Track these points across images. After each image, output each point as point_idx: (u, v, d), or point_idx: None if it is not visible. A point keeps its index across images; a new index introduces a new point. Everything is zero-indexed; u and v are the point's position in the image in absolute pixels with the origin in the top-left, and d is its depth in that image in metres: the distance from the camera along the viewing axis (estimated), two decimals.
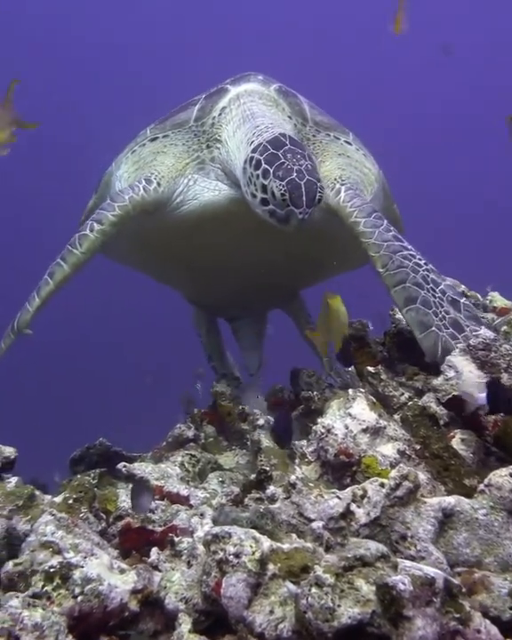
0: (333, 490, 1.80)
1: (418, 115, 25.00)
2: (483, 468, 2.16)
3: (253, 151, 2.83)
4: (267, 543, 1.51)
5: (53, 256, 3.20)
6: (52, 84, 23.84)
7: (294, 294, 4.74)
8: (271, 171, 2.69)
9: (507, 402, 2.13)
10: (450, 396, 2.17)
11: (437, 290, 2.76)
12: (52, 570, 1.52)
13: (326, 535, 1.60)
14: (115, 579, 1.56)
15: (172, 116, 3.44)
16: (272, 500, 1.88)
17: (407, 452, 2.02)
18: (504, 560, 1.69)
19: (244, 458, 3.03)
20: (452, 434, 2.23)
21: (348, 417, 2.06)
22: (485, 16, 24.00)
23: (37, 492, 1.98)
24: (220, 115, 3.26)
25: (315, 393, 2.94)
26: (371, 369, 2.73)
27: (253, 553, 1.47)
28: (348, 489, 1.76)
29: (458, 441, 2.21)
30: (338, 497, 1.74)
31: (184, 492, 2.26)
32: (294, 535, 1.68)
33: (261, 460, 2.51)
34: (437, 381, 2.23)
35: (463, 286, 3.55)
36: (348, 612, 1.34)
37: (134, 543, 1.90)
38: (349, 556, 1.45)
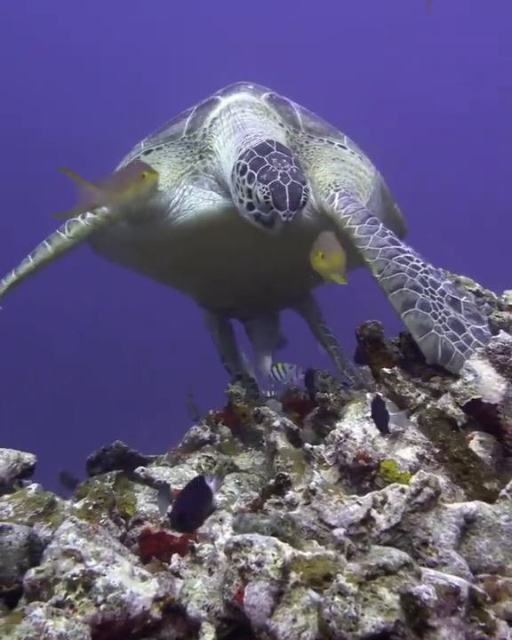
0: (353, 495, 1.79)
1: (433, 114, 24.85)
2: (502, 470, 2.15)
3: (240, 158, 2.87)
4: (289, 551, 1.51)
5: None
6: (52, 84, 23.97)
7: (304, 294, 4.72)
8: (256, 175, 2.71)
9: None
10: (469, 399, 2.15)
11: (436, 291, 2.73)
12: (74, 578, 1.52)
13: (348, 542, 1.60)
14: (137, 586, 1.56)
15: (165, 129, 3.47)
16: (291, 505, 1.88)
17: (426, 456, 2.01)
18: None
19: (259, 459, 3.03)
20: (469, 436, 2.22)
21: (367, 421, 2.05)
22: (488, 16, 23.84)
23: (57, 499, 1.98)
24: (210, 126, 3.28)
25: (330, 394, 2.93)
26: (387, 370, 2.70)
27: (275, 561, 1.47)
28: (369, 495, 1.76)
29: (476, 443, 2.19)
30: (358, 503, 1.73)
31: None
32: (315, 542, 1.68)
33: (278, 463, 2.51)
34: (456, 385, 2.21)
35: (478, 285, 3.52)
36: (372, 620, 1.34)
37: (154, 549, 1.91)
38: (372, 564, 1.44)
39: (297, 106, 3.52)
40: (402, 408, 2.39)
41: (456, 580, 1.41)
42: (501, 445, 2.17)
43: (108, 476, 2.57)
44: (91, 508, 1.95)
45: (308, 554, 1.53)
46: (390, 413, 2.03)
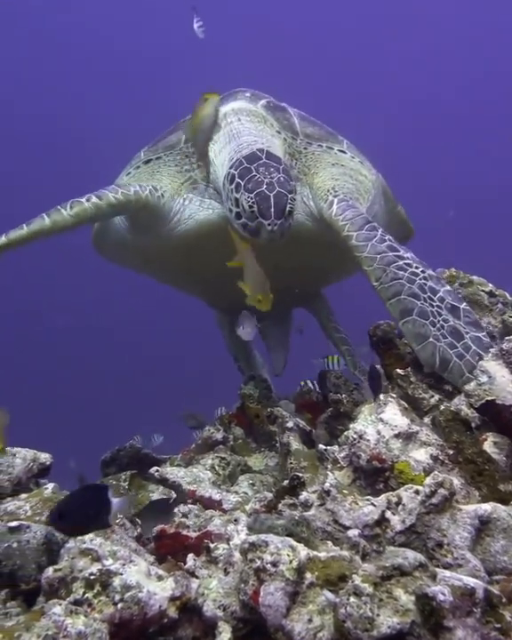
0: (368, 497, 1.80)
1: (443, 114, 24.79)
2: None
3: (230, 167, 2.88)
4: (304, 552, 1.52)
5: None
6: (54, 81, 24.09)
7: (315, 293, 4.73)
8: (243, 184, 2.72)
9: None
10: (483, 400, 2.15)
11: (435, 298, 2.70)
12: (92, 577, 1.54)
13: (362, 543, 1.61)
14: (153, 585, 1.58)
15: (164, 138, 3.50)
16: (306, 506, 1.89)
17: (440, 458, 2.01)
18: None
19: (272, 460, 3.04)
20: (483, 437, 2.22)
21: (380, 422, 2.06)
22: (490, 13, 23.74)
23: None
24: None
25: (343, 395, 2.93)
26: (400, 371, 2.71)
27: (291, 561, 1.48)
28: (383, 496, 1.76)
29: (490, 444, 2.19)
30: (372, 504, 1.74)
31: (216, 496, 2.27)
32: (330, 543, 1.68)
33: (291, 464, 2.52)
34: (470, 386, 2.21)
35: (491, 285, 3.50)
36: (388, 621, 1.35)
37: (169, 549, 1.92)
38: (387, 565, 1.45)
39: (295, 112, 3.51)
40: (415, 409, 2.39)
41: (471, 581, 1.41)
42: None
43: (122, 476, 2.61)
44: None
45: (322, 554, 1.54)
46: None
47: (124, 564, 1.59)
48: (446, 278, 3.38)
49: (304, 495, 1.91)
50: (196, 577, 1.70)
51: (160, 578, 1.64)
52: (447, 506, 1.73)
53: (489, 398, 2.14)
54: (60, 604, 1.44)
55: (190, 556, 1.77)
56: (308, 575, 1.49)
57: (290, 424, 2.85)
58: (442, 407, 2.22)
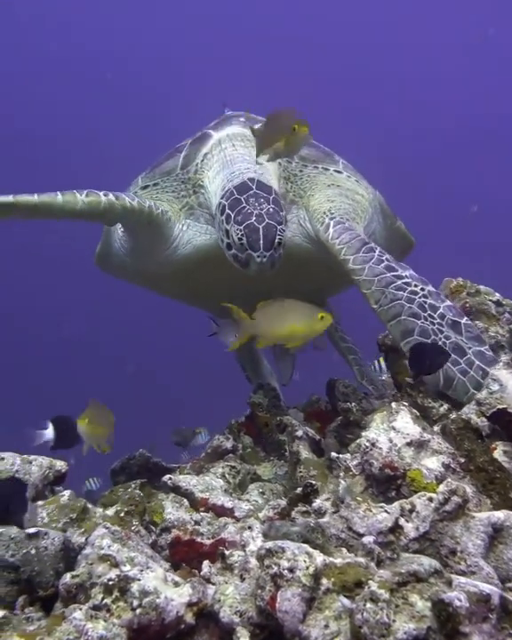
0: (381, 504, 1.82)
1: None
2: None
3: (221, 197, 2.90)
4: (320, 558, 1.53)
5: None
6: (51, 84, 24.31)
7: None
8: (232, 216, 2.74)
9: None
10: (494, 409, 2.17)
11: (436, 314, 2.71)
12: (110, 582, 1.56)
13: (378, 550, 1.62)
14: (170, 591, 1.59)
15: (161, 164, 3.52)
16: (319, 513, 1.91)
17: (452, 466, 2.03)
18: None
19: (282, 468, 3.05)
20: (494, 445, 2.24)
21: (392, 430, 2.08)
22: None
23: (90, 506, 2.03)
24: (202, 161, 3.32)
25: (353, 404, 2.95)
26: (409, 380, 2.73)
27: (307, 568, 1.50)
28: (397, 503, 1.78)
29: (500, 453, 2.21)
30: (386, 511, 1.76)
31: (228, 504, 2.29)
32: (344, 549, 1.70)
33: (301, 472, 2.53)
34: (481, 395, 2.23)
35: (498, 295, 3.53)
36: (404, 627, 1.36)
37: (184, 556, 1.94)
38: (403, 571, 1.47)
39: None
40: (425, 418, 2.41)
41: (487, 588, 1.43)
42: None
43: (133, 485, 2.62)
44: (122, 514, 1.99)
45: (338, 561, 1.56)
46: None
47: (141, 570, 1.60)
48: (453, 288, 3.43)
49: (317, 502, 1.93)
50: (212, 583, 1.71)
51: (176, 584, 1.66)
52: (460, 513, 1.75)
53: (500, 406, 2.16)
54: (81, 609, 1.46)
55: (206, 563, 1.79)
56: (325, 581, 1.50)
57: (299, 433, 2.87)
58: (452, 416, 2.23)
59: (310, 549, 1.55)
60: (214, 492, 2.37)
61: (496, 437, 2.29)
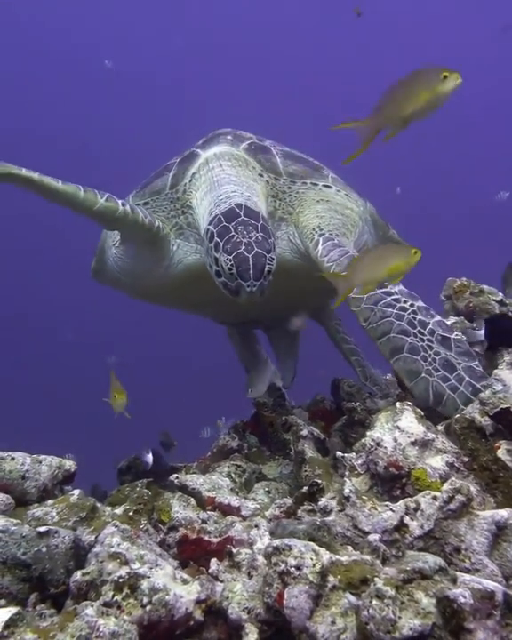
0: (386, 502, 1.84)
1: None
2: None
3: (209, 223, 2.91)
4: (326, 556, 1.56)
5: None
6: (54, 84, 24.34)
7: (321, 306, 4.76)
8: (221, 244, 2.75)
9: None
10: (497, 408, 2.19)
11: (426, 331, 2.70)
12: (120, 580, 1.58)
13: (383, 548, 1.65)
14: (179, 589, 1.62)
15: (151, 183, 3.54)
16: (325, 512, 1.93)
17: (456, 465, 2.05)
18: None
19: (287, 468, 3.08)
20: (497, 444, 2.26)
21: (397, 430, 2.10)
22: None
23: (99, 504, 2.06)
24: (190, 181, 3.33)
25: (357, 403, 2.98)
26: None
27: (314, 565, 1.53)
28: (402, 502, 1.81)
29: (504, 452, 2.22)
30: (391, 510, 1.79)
31: (235, 502, 2.31)
32: (350, 547, 1.73)
33: (306, 472, 2.55)
34: (484, 394, 2.25)
35: (501, 294, 3.55)
36: (410, 623, 1.39)
37: (192, 554, 1.97)
38: (408, 568, 1.49)
39: (279, 150, 3.52)
40: (429, 417, 2.43)
41: (491, 585, 1.45)
42: None
43: (139, 484, 2.65)
44: (131, 513, 2.02)
45: (344, 558, 1.59)
46: None
47: (151, 568, 1.63)
48: (457, 287, 3.44)
49: (323, 501, 1.96)
50: (220, 581, 1.74)
51: (185, 581, 1.69)
52: (464, 512, 1.77)
53: (503, 406, 2.18)
54: (93, 606, 1.49)
55: (213, 561, 1.82)
56: (331, 578, 1.53)
57: (304, 432, 2.89)
58: (457, 415, 2.26)
59: (317, 547, 1.58)
60: (221, 491, 2.39)
61: (499, 436, 2.30)
